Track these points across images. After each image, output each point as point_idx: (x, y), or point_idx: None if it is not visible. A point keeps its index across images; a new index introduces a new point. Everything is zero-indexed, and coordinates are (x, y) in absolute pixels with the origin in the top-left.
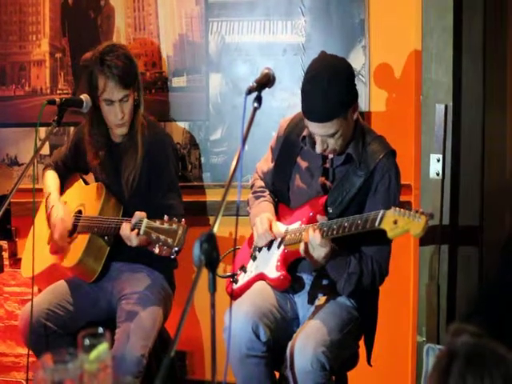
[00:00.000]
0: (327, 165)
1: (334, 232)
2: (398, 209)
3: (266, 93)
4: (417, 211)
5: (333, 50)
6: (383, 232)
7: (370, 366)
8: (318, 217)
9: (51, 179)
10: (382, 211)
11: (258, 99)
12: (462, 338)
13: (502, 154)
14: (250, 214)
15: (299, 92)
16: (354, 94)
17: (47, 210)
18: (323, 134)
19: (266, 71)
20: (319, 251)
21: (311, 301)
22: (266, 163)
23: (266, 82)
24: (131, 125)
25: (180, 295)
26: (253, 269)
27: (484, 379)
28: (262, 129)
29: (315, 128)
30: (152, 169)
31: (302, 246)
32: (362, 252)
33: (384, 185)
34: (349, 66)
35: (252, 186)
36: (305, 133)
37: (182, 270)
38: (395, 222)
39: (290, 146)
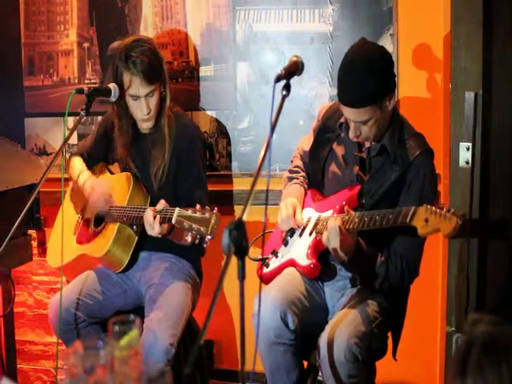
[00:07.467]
0: (363, 154)
1: (365, 225)
2: (429, 207)
3: (293, 82)
4: (449, 211)
5: None
6: (415, 229)
7: (395, 360)
8: (345, 208)
9: (78, 164)
10: (413, 207)
11: (287, 87)
12: (480, 326)
13: None
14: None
15: (327, 81)
16: (390, 84)
17: (75, 191)
18: (356, 120)
19: (295, 59)
20: (336, 241)
21: (341, 290)
22: (307, 142)
23: (295, 69)
24: (158, 118)
25: (207, 283)
26: (284, 254)
27: (501, 367)
28: (289, 118)
29: (348, 113)
30: (180, 162)
31: (324, 236)
32: (392, 250)
33: (418, 183)
34: (387, 55)
35: (291, 161)
36: (342, 119)
37: (208, 258)
38: (426, 221)
39: (326, 131)
